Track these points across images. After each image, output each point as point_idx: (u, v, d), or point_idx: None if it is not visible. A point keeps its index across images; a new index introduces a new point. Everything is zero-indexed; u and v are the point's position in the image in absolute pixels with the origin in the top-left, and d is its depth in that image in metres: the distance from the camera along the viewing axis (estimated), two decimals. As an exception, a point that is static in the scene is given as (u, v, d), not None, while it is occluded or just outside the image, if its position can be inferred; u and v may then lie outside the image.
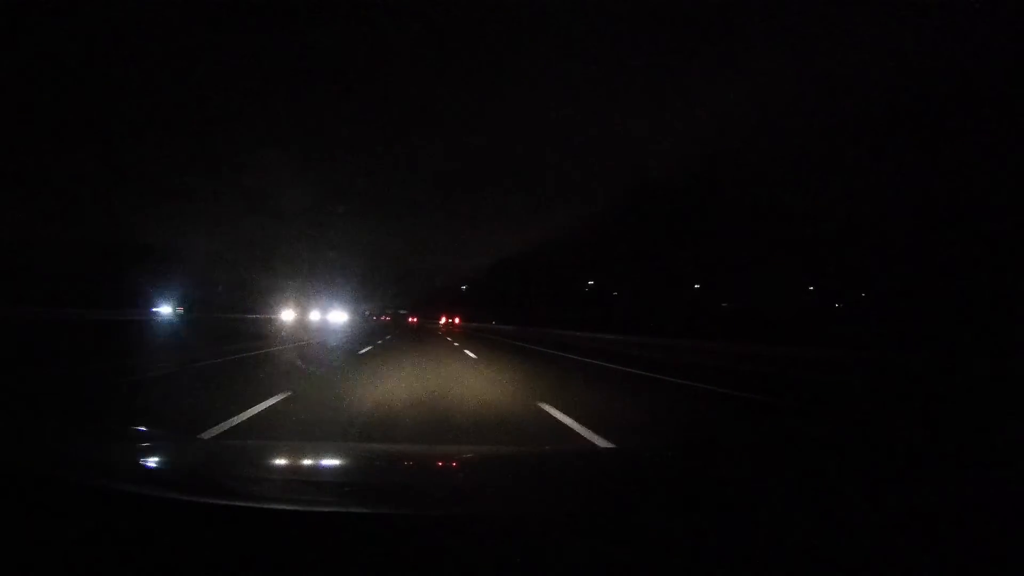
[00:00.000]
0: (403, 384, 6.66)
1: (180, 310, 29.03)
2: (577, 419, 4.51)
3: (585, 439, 3.94)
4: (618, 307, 33.64)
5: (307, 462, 1.78)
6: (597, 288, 41.22)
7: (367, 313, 68.41)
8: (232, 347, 11.61)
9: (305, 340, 16.76)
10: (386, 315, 70.08)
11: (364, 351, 12.75)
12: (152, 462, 1.44)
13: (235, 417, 4.15)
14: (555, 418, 4.64)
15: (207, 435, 3.45)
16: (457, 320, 59.70)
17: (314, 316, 44.60)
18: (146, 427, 2.16)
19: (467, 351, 13.59)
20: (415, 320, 64.63)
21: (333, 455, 1.98)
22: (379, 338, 19.88)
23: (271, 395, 5.18)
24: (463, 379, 7.59)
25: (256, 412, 4.42)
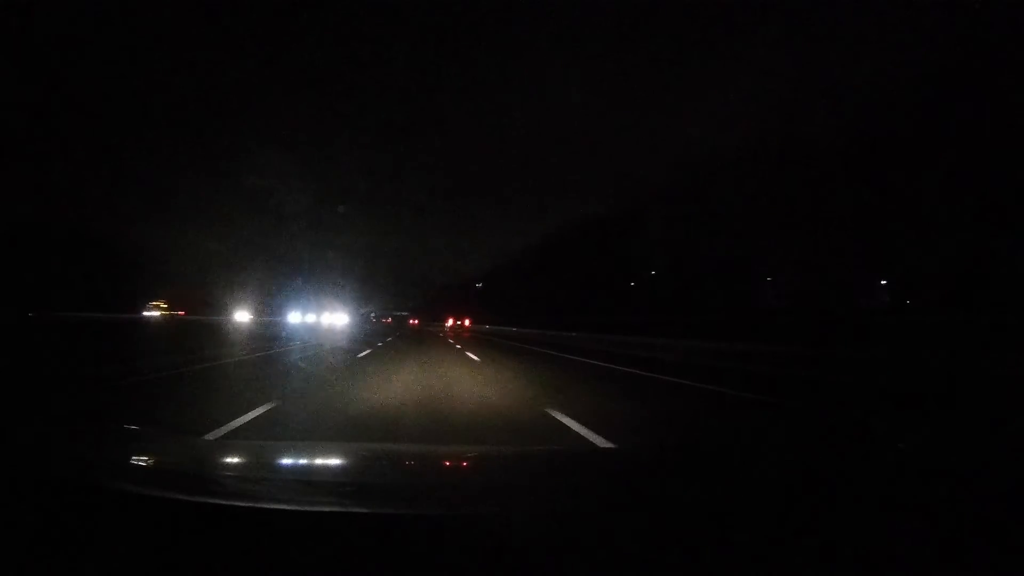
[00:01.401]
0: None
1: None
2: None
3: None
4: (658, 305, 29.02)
5: (307, 462, 1.78)
6: (626, 286, 36.46)
7: (371, 316, 67.49)
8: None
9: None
10: (387, 317, 69.83)
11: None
12: (152, 462, 1.44)
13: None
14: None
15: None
16: (467, 322, 48.46)
17: (241, 316, 32.67)
18: (147, 427, 2.16)
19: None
20: (416, 322, 64.10)
21: (333, 455, 1.98)
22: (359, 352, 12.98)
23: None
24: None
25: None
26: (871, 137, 17.88)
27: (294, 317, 34.91)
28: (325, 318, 42.06)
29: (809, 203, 20.35)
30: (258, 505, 1.01)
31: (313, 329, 27.32)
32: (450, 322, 50.70)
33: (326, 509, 1.04)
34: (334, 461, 1.88)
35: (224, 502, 0.99)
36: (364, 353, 13.29)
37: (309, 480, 1.54)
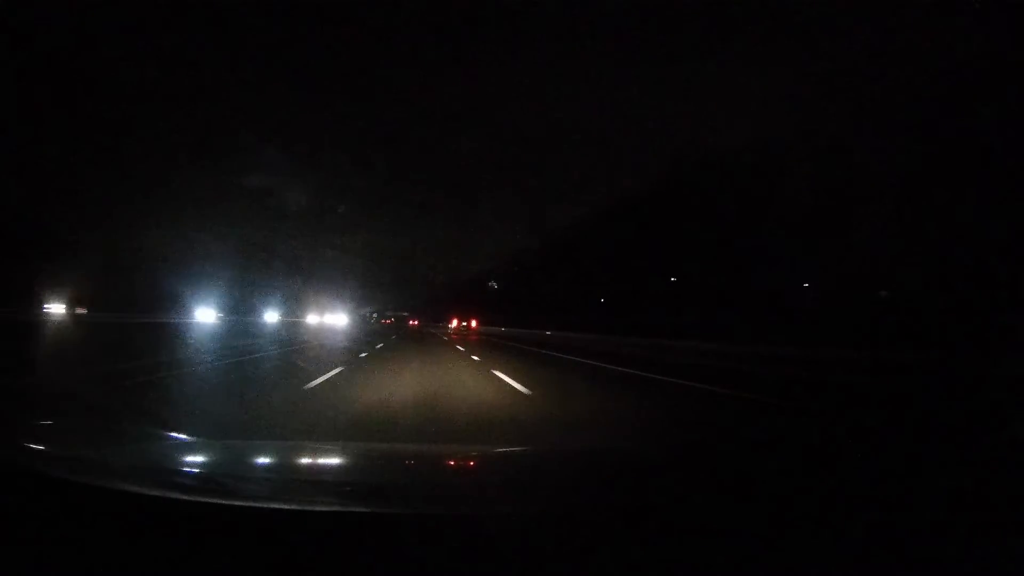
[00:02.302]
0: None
1: None
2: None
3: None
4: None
5: (307, 462, 1.78)
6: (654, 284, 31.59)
7: (372, 316, 67.06)
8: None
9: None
10: (387, 318, 69.83)
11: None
12: (152, 462, 1.44)
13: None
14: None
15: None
16: (474, 323, 43.97)
17: (56, 309, 21.40)
18: (147, 427, 2.16)
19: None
20: (416, 323, 64.18)
21: (333, 455, 1.98)
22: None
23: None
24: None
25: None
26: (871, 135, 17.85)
27: (205, 315, 24.86)
28: (311, 318, 38.19)
29: (808, 205, 20.24)
30: (258, 505, 1.01)
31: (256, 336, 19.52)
32: (454, 323, 45.60)
33: (326, 509, 1.04)
34: (334, 461, 1.88)
35: (224, 502, 0.99)
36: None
37: (309, 480, 1.54)
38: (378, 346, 15.27)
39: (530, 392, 5.92)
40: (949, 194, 15.56)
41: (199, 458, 1.63)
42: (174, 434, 1.81)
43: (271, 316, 31.02)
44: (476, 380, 7.36)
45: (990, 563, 0.94)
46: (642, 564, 0.92)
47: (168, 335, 15.99)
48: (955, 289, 15.04)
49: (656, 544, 0.96)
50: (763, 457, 1.94)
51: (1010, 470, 1.41)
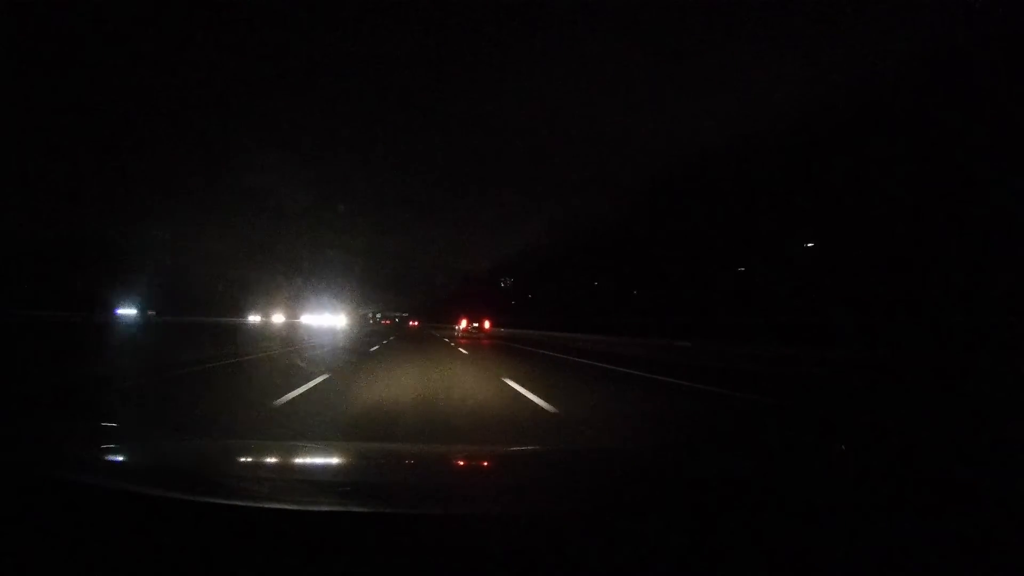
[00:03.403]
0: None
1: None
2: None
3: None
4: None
5: (307, 462, 1.78)
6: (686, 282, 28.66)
7: (371, 317, 67.16)
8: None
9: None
10: (387, 319, 70.06)
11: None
12: (152, 462, 1.44)
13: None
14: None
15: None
16: (488, 324, 40.17)
17: None
18: (148, 427, 2.16)
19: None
20: (415, 324, 64.26)
21: (333, 455, 1.98)
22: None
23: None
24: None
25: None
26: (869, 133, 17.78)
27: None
28: (276, 318, 34.38)
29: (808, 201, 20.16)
30: (258, 505, 1.01)
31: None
32: (463, 324, 39.28)
33: (326, 509, 1.04)
34: (334, 461, 1.88)
35: (224, 502, 0.99)
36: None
37: (309, 480, 1.53)
38: (373, 348, 14.98)
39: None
40: (949, 193, 15.57)
41: (199, 458, 1.62)
42: (174, 434, 1.81)
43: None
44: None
45: (990, 563, 0.94)
46: (642, 564, 0.92)
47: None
48: (955, 289, 15.04)
49: (655, 544, 0.96)
50: (763, 457, 1.94)
51: (1010, 470, 1.41)
